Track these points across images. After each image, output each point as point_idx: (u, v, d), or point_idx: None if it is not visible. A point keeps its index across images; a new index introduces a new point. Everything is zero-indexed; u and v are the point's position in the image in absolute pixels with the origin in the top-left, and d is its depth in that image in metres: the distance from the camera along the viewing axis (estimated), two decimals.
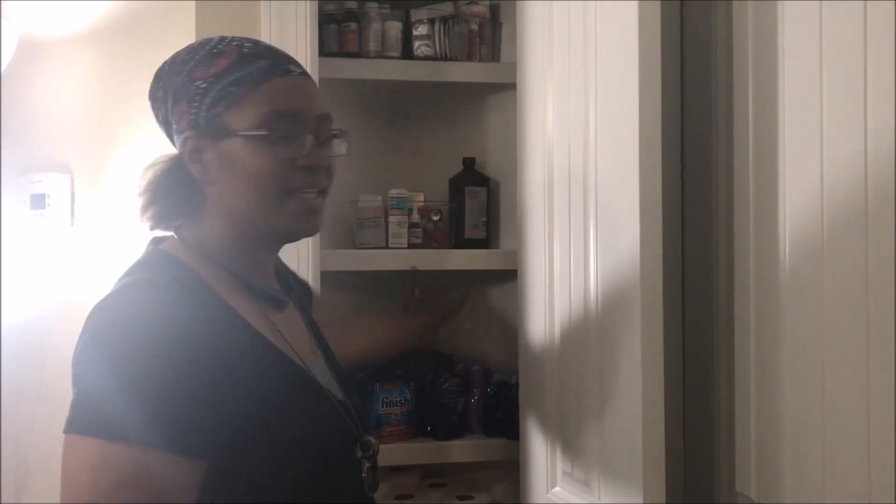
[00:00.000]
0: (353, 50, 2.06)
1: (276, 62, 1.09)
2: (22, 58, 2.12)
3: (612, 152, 1.44)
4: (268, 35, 1.86)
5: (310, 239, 1.87)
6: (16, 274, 2.12)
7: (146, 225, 1.12)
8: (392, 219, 2.04)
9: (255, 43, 1.11)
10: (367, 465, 1.15)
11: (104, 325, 0.95)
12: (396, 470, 2.14)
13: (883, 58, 1.09)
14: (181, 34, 1.90)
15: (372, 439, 1.16)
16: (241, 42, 1.10)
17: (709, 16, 1.53)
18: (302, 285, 1.43)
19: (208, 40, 1.10)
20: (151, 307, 0.96)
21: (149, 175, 1.11)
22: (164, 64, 1.11)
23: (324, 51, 1.98)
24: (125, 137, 1.98)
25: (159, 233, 1.14)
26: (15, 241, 2.14)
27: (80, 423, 0.92)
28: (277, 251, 1.20)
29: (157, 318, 0.94)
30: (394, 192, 2.05)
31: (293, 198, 1.08)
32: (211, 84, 1.05)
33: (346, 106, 2.19)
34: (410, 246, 2.06)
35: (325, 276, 1.93)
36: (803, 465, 1.25)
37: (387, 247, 2.05)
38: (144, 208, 1.10)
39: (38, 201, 2.08)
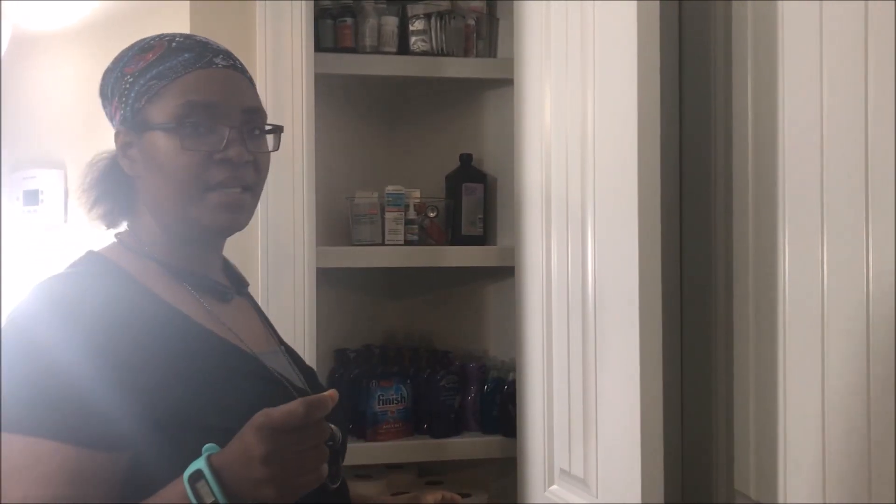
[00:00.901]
0: (349, 45, 2.04)
1: (201, 54, 1.06)
2: (15, 53, 2.10)
3: (611, 148, 1.43)
4: (263, 30, 1.85)
5: (305, 236, 1.86)
6: (8, 271, 2.11)
7: (97, 224, 1.11)
8: (388, 215, 2.03)
9: (188, 37, 1.09)
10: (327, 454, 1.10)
11: (14, 318, 0.95)
12: (393, 467, 2.13)
13: (884, 57, 1.08)
14: (176, 29, 1.88)
15: (334, 428, 1.06)
16: (173, 37, 1.08)
17: (707, 15, 1.52)
18: None
19: (147, 37, 1.10)
20: (61, 297, 0.95)
21: (93, 173, 1.11)
22: (111, 62, 1.11)
23: (319, 46, 1.97)
24: None
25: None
26: (8, 238, 2.12)
27: (5, 420, 0.89)
28: (217, 246, 1.14)
29: (65, 307, 0.93)
30: (390, 188, 2.04)
31: (213, 192, 1.04)
32: (136, 78, 1.05)
33: (341, 102, 2.18)
34: (407, 243, 2.05)
35: (322, 272, 1.91)
36: (803, 464, 1.25)
37: (383, 243, 2.04)
38: (90, 207, 1.10)
39: (32, 197, 2.07)
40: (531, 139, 1.77)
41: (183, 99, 1.03)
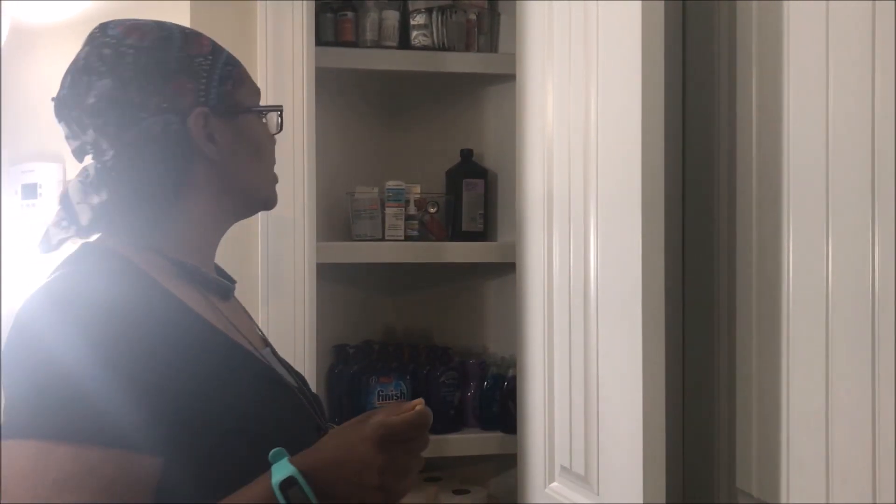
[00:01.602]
0: (350, 39, 2.04)
1: None
2: (14, 46, 2.09)
3: (614, 144, 1.43)
4: (264, 23, 1.84)
5: (305, 231, 1.86)
6: (6, 265, 2.10)
7: (98, 234, 1.03)
8: (389, 211, 2.02)
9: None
10: None
11: (30, 320, 0.88)
12: None
13: (890, 56, 1.07)
14: (176, 21, 1.87)
15: (333, 426, 1.08)
16: (179, 26, 1.07)
17: (711, 15, 1.51)
18: None
19: (146, 21, 1.04)
20: (84, 297, 0.89)
21: (91, 182, 1.02)
22: (126, 38, 1.00)
23: (320, 40, 1.96)
24: None
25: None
26: (6, 232, 2.11)
27: (14, 426, 0.84)
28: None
29: (90, 308, 0.87)
30: (390, 183, 2.03)
31: (273, 168, 1.12)
32: (212, 62, 1.04)
33: (342, 96, 2.17)
34: (407, 238, 2.04)
35: (322, 267, 1.91)
36: (806, 463, 1.24)
37: (383, 239, 2.03)
38: (95, 219, 1.02)
39: (30, 191, 2.06)
40: (533, 135, 1.76)
41: (256, 84, 1.10)
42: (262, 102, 1.13)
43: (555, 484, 1.67)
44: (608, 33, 1.44)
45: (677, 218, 1.58)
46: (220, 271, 1.15)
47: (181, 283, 1.00)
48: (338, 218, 2.12)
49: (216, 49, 1.05)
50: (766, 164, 1.35)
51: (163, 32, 1.03)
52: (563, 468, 1.63)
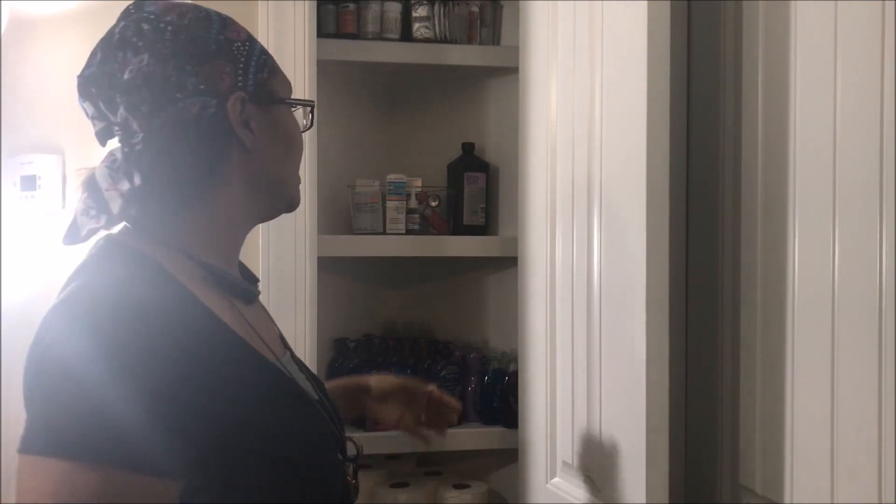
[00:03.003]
0: (351, 31, 2.02)
1: None
2: (13, 37, 2.07)
3: (619, 139, 1.41)
4: (265, 14, 1.83)
5: (306, 224, 1.85)
6: (5, 257, 2.08)
7: (126, 222, 0.97)
8: (390, 204, 2.01)
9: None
10: (350, 467, 1.06)
11: (62, 333, 0.83)
12: (392, 457, 2.12)
13: None
14: None
15: (354, 440, 1.08)
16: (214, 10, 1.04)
17: (717, 16, 1.50)
18: None
19: (185, 3, 1.00)
20: (112, 312, 0.83)
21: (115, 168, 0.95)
22: (165, 16, 0.96)
23: (321, 32, 1.94)
24: None
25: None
26: (4, 224, 2.10)
27: (38, 441, 0.80)
28: None
29: (120, 325, 0.82)
30: (392, 176, 2.02)
31: (299, 167, 1.08)
32: (249, 48, 1.00)
33: (343, 88, 2.15)
34: (408, 232, 2.03)
35: (322, 261, 1.90)
36: (810, 460, 1.24)
37: (384, 232, 2.02)
38: (126, 208, 0.94)
39: (29, 183, 2.04)
40: (536, 128, 1.75)
41: (287, 78, 1.05)
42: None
43: (556, 479, 1.66)
44: (613, 27, 1.43)
45: (681, 214, 1.57)
46: (244, 269, 1.10)
47: (208, 289, 0.95)
48: (339, 211, 2.11)
49: (251, 36, 1.02)
50: (771, 162, 1.34)
51: (201, 13, 0.99)
52: (564, 464, 1.62)
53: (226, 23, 1.00)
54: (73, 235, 0.96)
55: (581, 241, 1.54)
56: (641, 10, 1.33)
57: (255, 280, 1.11)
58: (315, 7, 1.87)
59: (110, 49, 0.95)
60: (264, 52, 1.02)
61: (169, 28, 0.95)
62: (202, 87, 0.94)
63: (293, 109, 1.06)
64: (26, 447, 0.80)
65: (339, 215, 2.11)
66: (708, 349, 1.53)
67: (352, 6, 2.01)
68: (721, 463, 1.49)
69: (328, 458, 1.00)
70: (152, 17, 0.95)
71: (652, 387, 1.33)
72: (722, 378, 1.49)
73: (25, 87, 2.11)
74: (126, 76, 0.93)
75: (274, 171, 1.03)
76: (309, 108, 1.08)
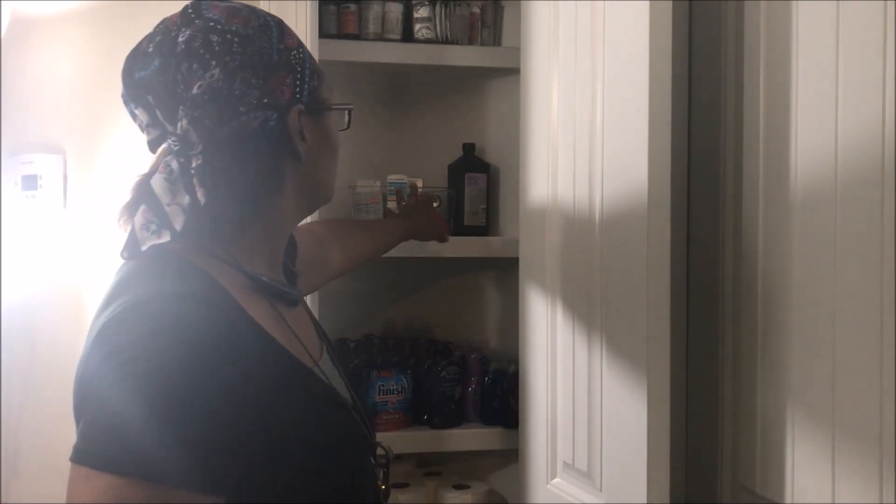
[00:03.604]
0: (353, 32, 2.02)
1: None
2: (14, 36, 2.08)
3: (620, 140, 1.42)
4: None
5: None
6: (6, 257, 2.09)
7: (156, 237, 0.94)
8: (391, 204, 2.01)
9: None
10: (382, 472, 1.08)
11: (124, 345, 0.82)
12: None
13: None
14: (177, 10, 1.86)
15: (384, 445, 1.09)
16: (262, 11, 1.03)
17: (718, 16, 1.50)
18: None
19: (242, 7, 0.98)
20: (179, 327, 0.82)
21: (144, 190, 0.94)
22: (228, 23, 0.93)
23: (322, 32, 1.94)
24: (119, 117, 1.94)
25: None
26: (6, 223, 2.10)
27: (93, 455, 0.79)
28: None
29: (185, 341, 0.81)
30: (392, 177, 2.02)
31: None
32: (303, 57, 1.00)
33: (344, 89, 2.15)
34: None
35: None
36: (811, 461, 1.24)
37: None
38: (188, 223, 0.93)
39: (30, 182, 2.04)
40: (538, 129, 1.75)
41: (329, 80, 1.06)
42: None
43: (557, 480, 1.66)
44: (614, 27, 1.43)
45: (682, 214, 1.58)
46: (285, 266, 1.09)
47: (256, 299, 0.95)
48: (339, 211, 2.11)
49: (300, 42, 1.01)
50: (772, 162, 1.34)
51: (260, 20, 0.97)
52: (565, 464, 1.62)
53: (283, 30, 1.00)
54: (133, 250, 0.93)
55: (582, 241, 1.54)
56: (643, 10, 1.33)
57: (294, 276, 1.13)
58: (316, 7, 1.87)
59: (173, 58, 0.92)
60: (311, 57, 1.03)
61: (236, 40, 0.93)
62: (265, 100, 0.94)
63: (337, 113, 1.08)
64: (80, 458, 0.80)
65: (340, 215, 2.11)
66: (708, 349, 1.53)
67: (353, 7, 2.01)
68: (721, 463, 1.49)
69: (362, 464, 1.02)
70: (219, 27, 0.93)
71: (652, 387, 1.33)
72: (722, 378, 1.49)
73: (26, 87, 2.11)
74: (195, 91, 0.91)
75: (321, 178, 1.06)
76: (348, 111, 1.10)
